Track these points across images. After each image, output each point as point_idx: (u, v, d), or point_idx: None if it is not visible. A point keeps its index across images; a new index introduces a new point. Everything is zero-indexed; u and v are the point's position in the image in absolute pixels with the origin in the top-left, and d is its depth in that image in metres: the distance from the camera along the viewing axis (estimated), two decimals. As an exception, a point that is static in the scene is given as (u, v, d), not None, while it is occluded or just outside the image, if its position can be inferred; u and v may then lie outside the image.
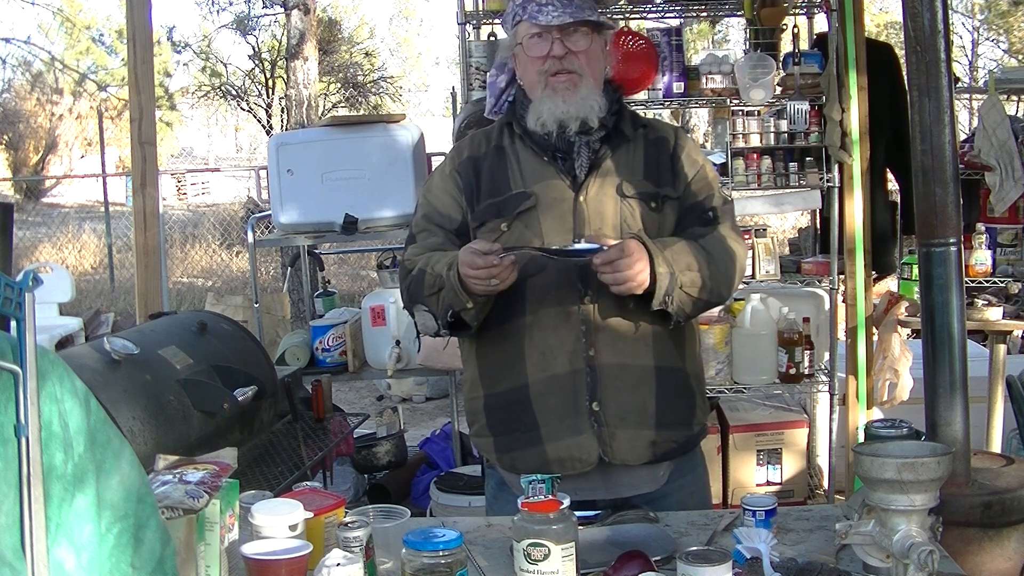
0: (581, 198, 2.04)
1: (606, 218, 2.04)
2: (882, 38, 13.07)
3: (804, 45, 4.05)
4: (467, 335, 2.10)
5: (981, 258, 4.10)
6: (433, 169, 2.56)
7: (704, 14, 5.19)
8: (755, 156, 3.79)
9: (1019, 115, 5.32)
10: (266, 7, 13.91)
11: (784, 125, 3.77)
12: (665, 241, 2.01)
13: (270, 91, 14.52)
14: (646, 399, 2.03)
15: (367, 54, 16.94)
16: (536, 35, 2.06)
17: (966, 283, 3.20)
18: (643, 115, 2.28)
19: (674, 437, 2.07)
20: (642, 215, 2.05)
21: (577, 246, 1.93)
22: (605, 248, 1.89)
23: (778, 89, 3.81)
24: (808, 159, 3.78)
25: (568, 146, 2.08)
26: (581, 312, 2.01)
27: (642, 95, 3.83)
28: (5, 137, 19.91)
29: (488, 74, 2.32)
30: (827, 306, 4.02)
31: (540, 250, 1.94)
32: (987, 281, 4.10)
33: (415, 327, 2.12)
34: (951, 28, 2.61)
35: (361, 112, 14.67)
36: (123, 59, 16.76)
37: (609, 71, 2.16)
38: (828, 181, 3.77)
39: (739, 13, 4.05)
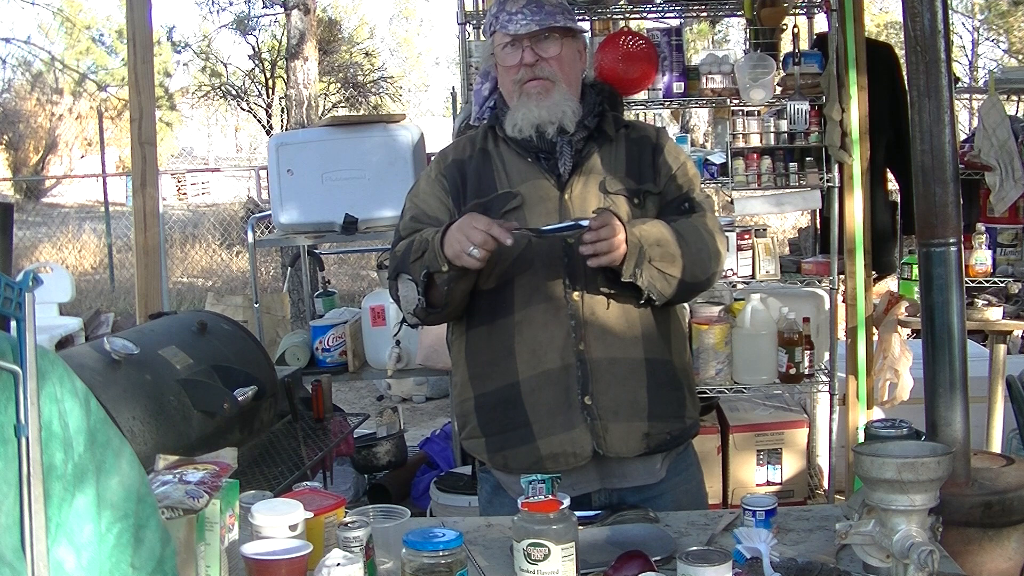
0: (566, 196, 2.08)
1: (590, 215, 2.05)
2: (882, 38, 13.08)
3: (804, 45, 4.05)
4: (438, 316, 2.09)
5: (981, 258, 4.09)
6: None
7: (704, 14, 5.19)
8: (755, 156, 3.79)
9: (1019, 115, 5.32)
10: (266, 7, 13.94)
11: (784, 125, 3.77)
12: (635, 221, 2.03)
13: (270, 91, 14.53)
14: (637, 391, 2.04)
15: (367, 54, 16.95)
16: (508, 44, 2.10)
17: (966, 283, 3.20)
18: (629, 116, 2.30)
19: (667, 429, 2.08)
20: (625, 211, 2.07)
21: (562, 224, 1.97)
22: (588, 223, 1.92)
23: (778, 89, 3.81)
24: (808, 159, 3.78)
25: (550, 147, 2.11)
26: (570, 307, 2.03)
27: (642, 95, 3.83)
28: (5, 137, 19.92)
29: (474, 81, 2.36)
30: (827, 306, 4.01)
31: (529, 229, 1.97)
32: (987, 281, 4.10)
33: (398, 305, 2.12)
34: (951, 28, 2.61)
35: (361, 112, 14.68)
36: (123, 59, 16.77)
37: (590, 74, 2.20)
38: (828, 181, 3.77)
39: (739, 13, 4.05)
